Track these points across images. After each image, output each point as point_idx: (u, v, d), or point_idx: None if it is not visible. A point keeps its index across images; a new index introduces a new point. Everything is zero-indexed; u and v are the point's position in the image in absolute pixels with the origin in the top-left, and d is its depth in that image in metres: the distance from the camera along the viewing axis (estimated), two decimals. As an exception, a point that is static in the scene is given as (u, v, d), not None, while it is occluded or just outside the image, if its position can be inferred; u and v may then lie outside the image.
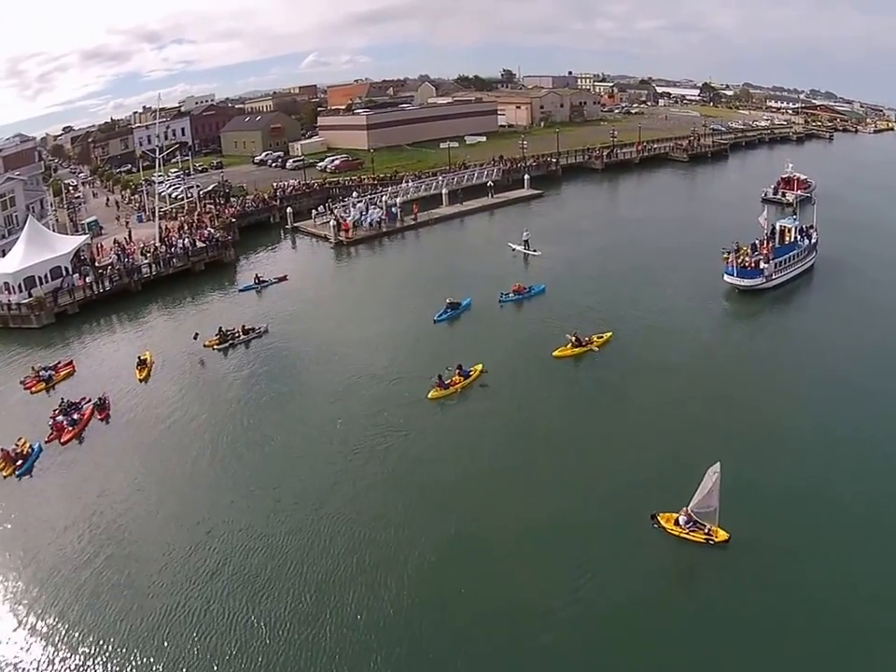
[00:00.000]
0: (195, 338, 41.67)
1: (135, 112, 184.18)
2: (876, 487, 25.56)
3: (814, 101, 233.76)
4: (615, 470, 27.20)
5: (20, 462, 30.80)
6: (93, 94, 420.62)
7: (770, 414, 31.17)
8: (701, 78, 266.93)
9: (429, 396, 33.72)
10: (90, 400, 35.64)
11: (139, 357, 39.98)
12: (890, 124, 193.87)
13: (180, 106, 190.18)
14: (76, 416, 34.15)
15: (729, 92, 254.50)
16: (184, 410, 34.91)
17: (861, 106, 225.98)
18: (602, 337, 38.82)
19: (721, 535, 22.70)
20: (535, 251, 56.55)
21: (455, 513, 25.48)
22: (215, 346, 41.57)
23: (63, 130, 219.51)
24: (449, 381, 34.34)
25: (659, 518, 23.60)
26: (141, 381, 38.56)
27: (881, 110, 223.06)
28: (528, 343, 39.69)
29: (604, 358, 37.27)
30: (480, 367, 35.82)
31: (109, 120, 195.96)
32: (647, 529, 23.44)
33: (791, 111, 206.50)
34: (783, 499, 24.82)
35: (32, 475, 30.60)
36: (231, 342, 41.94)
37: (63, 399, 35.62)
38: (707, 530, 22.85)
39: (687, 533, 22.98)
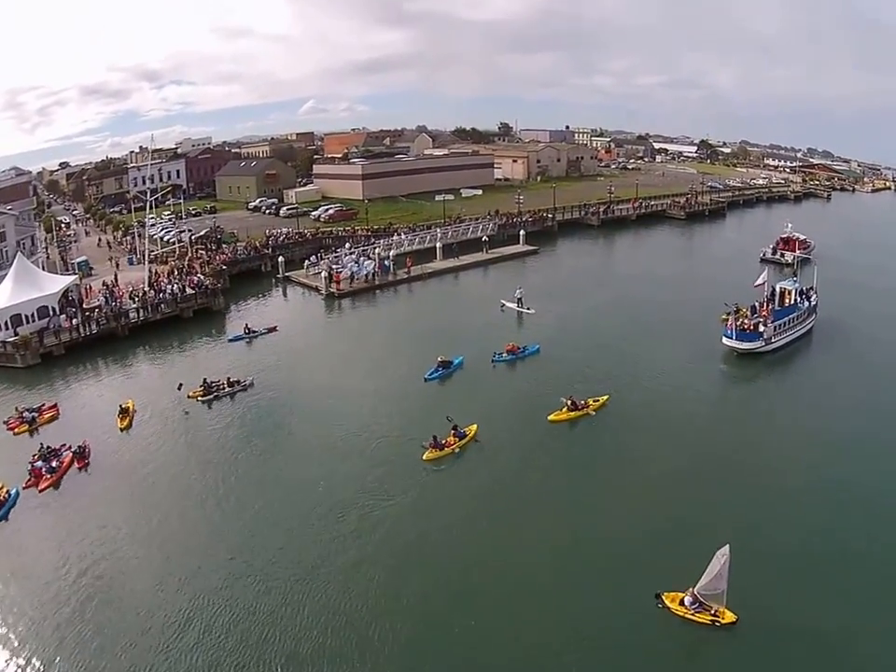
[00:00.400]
0: (179, 388, 40.55)
1: (131, 151, 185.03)
2: (889, 562, 24.66)
3: (811, 159, 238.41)
4: (617, 545, 26.06)
5: (-4, 507, 29.82)
6: (91, 131, 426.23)
7: (776, 485, 30.15)
8: (698, 135, 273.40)
9: (424, 457, 32.66)
10: (69, 448, 34.57)
11: (121, 406, 38.84)
12: (888, 184, 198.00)
13: (177, 148, 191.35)
14: (54, 464, 33.17)
15: (726, 150, 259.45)
16: (163, 463, 33.71)
17: (859, 165, 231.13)
18: (598, 401, 37.95)
19: (729, 616, 21.73)
20: (528, 309, 55.97)
21: (445, 586, 24.28)
22: (199, 398, 40.46)
23: (60, 165, 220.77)
24: (444, 441, 33.32)
25: (664, 598, 22.58)
26: (122, 430, 37.40)
27: (878, 169, 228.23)
28: (523, 405, 38.62)
29: (601, 423, 36.35)
30: (475, 427, 34.90)
31: (105, 158, 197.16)
32: (650, 608, 22.36)
33: (788, 169, 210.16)
34: (792, 577, 23.90)
35: (8, 520, 29.68)
36: (215, 394, 40.77)
37: (41, 444, 34.55)
38: (713, 612, 21.86)
39: (692, 614, 21.97)
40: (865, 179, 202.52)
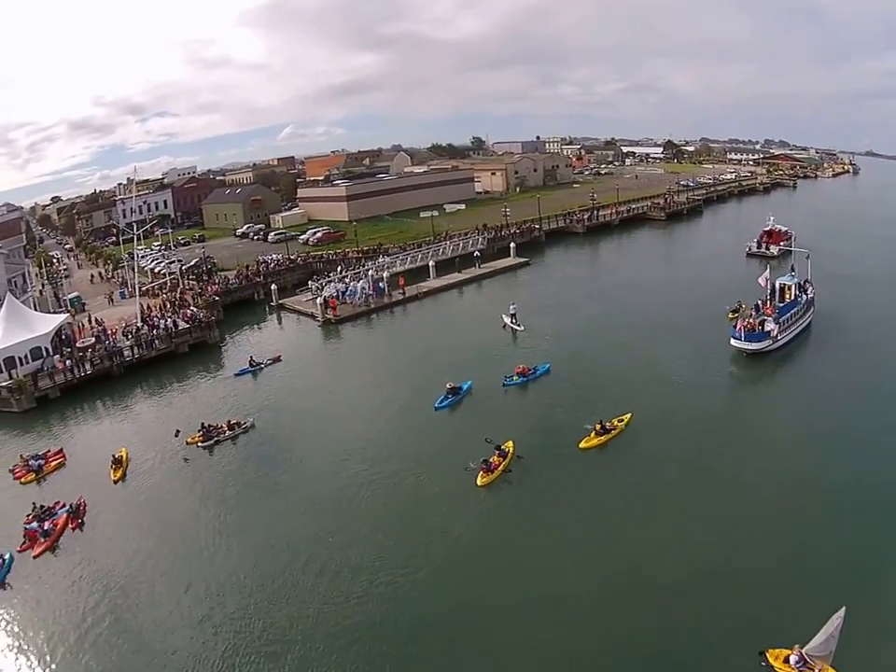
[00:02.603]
0: (176, 435, 38.89)
1: (119, 183, 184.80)
2: None
3: (771, 150, 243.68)
4: (704, 591, 23.60)
5: (-9, 574, 28.31)
6: (80, 165, 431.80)
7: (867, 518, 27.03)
8: (660, 136, 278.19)
9: (478, 483, 31.25)
10: (64, 506, 32.84)
11: (114, 456, 36.93)
12: (846, 167, 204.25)
13: (163, 178, 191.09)
14: (47, 526, 31.24)
15: (690, 148, 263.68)
16: (157, 520, 31.32)
17: (817, 152, 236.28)
18: (623, 420, 36.12)
19: None
20: (519, 326, 54.31)
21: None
22: (198, 443, 38.40)
23: (52, 199, 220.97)
24: (492, 463, 32.00)
25: (768, 655, 20.56)
26: (116, 482, 35.46)
27: (834, 154, 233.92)
28: (547, 432, 36.23)
29: (632, 446, 33.96)
30: (511, 443, 33.73)
31: (94, 192, 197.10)
32: (755, 666, 20.28)
33: (752, 162, 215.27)
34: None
35: (4, 588, 28.00)
36: (215, 438, 38.60)
37: (34, 504, 32.75)
38: (818, 670, 19.88)
39: (796, 673, 20.27)
40: (825, 165, 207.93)
